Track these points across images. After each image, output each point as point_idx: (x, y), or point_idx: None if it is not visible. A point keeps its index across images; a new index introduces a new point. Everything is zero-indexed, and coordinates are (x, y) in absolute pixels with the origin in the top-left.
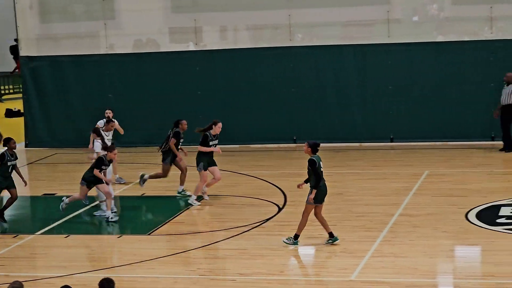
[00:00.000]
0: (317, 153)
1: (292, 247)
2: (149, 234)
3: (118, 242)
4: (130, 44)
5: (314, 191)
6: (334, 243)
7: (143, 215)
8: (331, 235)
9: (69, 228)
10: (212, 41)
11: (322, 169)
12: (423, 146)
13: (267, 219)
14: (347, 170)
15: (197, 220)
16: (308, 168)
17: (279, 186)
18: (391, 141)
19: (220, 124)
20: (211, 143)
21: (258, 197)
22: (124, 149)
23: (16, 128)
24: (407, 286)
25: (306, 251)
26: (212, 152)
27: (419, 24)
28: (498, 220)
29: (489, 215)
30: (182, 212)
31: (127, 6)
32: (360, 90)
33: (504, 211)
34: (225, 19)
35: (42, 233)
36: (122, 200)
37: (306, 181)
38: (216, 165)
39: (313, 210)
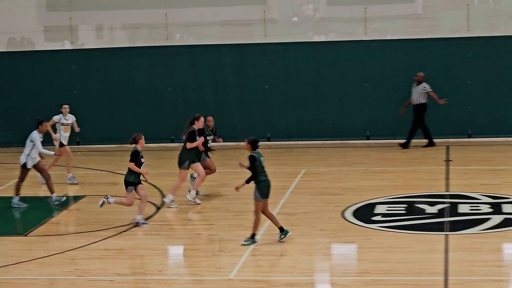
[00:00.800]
0: (257, 149)
1: (252, 246)
2: (25, 235)
3: None
4: (3, 43)
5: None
6: (286, 236)
7: (18, 216)
8: (281, 229)
9: None
10: (88, 40)
11: (263, 165)
12: (300, 145)
13: (145, 219)
14: (224, 169)
15: (75, 220)
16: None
17: (157, 186)
18: (268, 140)
19: (202, 118)
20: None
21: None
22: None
23: None
24: (285, 284)
25: (184, 250)
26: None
27: (295, 24)
28: (374, 218)
29: (364, 213)
30: (59, 213)
31: (0, 3)
32: (238, 89)
33: (379, 209)
34: (101, 18)
35: None
36: None
37: (247, 181)
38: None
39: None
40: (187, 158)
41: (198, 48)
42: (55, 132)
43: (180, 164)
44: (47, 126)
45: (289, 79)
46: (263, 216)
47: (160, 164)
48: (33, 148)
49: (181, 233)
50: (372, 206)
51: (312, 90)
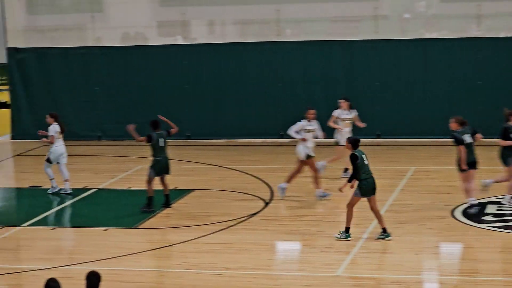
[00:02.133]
0: (358, 148)
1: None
2: (135, 228)
3: (104, 235)
4: (117, 37)
5: (355, 182)
6: (386, 239)
7: (129, 208)
8: (384, 230)
9: (55, 221)
10: (200, 35)
11: (366, 163)
12: (410, 143)
13: (254, 214)
14: (334, 166)
15: (184, 214)
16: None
17: (266, 181)
18: (378, 137)
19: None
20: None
21: (245, 191)
22: (110, 142)
23: (2, 120)
24: (392, 282)
25: (292, 246)
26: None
27: (407, 21)
28: (484, 218)
29: (475, 212)
30: (170, 205)
31: None
32: (347, 86)
33: (490, 209)
34: (213, 13)
35: (27, 225)
36: (108, 194)
37: (349, 181)
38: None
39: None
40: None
41: (308, 44)
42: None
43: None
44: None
45: (400, 76)
46: (370, 213)
47: (270, 160)
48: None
49: (290, 228)
50: (483, 205)
51: (421, 87)
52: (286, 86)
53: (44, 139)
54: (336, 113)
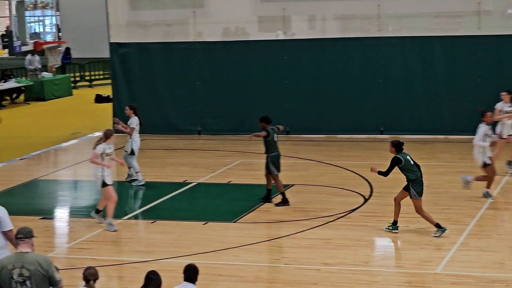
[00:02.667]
0: (403, 151)
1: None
2: (234, 222)
3: (204, 228)
4: (218, 32)
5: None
6: (442, 235)
7: (228, 203)
8: (438, 226)
9: (156, 214)
10: (300, 30)
11: (412, 163)
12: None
13: (353, 210)
14: (434, 162)
15: (283, 209)
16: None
17: (365, 177)
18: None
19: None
20: None
21: (344, 187)
22: (210, 137)
23: (105, 113)
24: (492, 281)
25: (391, 242)
26: None
27: (510, 16)
28: None
29: None
30: (268, 201)
31: None
32: (448, 82)
33: None
34: (314, 8)
35: (128, 218)
36: (208, 188)
37: (379, 172)
38: None
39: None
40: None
41: (409, 39)
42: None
43: None
44: (492, 116)
45: (502, 73)
46: (471, 211)
47: (370, 156)
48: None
49: (385, 223)
50: None
51: None
52: (387, 82)
53: (117, 126)
54: (498, 106)
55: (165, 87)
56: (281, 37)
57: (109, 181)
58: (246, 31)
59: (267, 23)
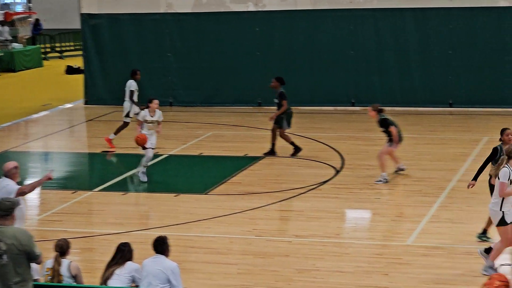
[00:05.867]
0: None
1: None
2: (205, 194)
3: (175, 200)
4: (190, 4)
5: None
6: (483, 240)
7: (200, 174)
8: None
9: (127, 186)
10: (271, 2)
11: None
12: (482, 112)
13: (324, 182)
14: (405, 134)
15: (254, 181)
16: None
17: (336, 149)
18: (450, 106)
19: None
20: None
21: (316, 159)
22: (182, 108)
23: (76, 85)
24: (463, 252)
25: (362, 214)
26: None
27: None
28: None
29: None
30: (239, 172)
31: None
32: (419, 54)
33: None
34: None
35: (100, 190)
36: (179, 159)
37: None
38: None
39: None
40: None
41: (381, 11)
42: None
43: None
44: None
45: (474, 45)
46: (442, 183)
47: (341, 128)
48: None
49: (359, 197)
50: None
51: (495, 56)
52: (358, 54)
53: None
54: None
55: (136, 59)
56: (253, 8)
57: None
58: (217, 3)
59: None
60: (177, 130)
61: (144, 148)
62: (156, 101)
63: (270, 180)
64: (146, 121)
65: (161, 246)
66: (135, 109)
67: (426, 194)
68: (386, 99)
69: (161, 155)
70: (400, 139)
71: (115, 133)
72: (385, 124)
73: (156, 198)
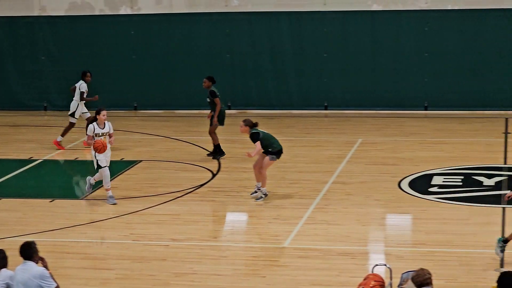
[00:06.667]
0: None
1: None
2: (82, 199)
3: (50, 206)
4: (63, 7)
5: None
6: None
7: (76, 179)
8: (506, 241)
9: (0, 192)
10: (147, 5)
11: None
12: (357, 114)
13: (201, 185)
14: (281, 137)
15: (131, 185)
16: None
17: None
18: (325, 109)
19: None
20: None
21: (192, 162)
22: (57, 113)
23: None
24: (339, 253)
25: (239, 217)
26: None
27: None
28: (431, 189)
29: (421, 184)
30: (116, 177)
31: None
32: (295, 57)
33: (436, 180)
34: None
35: None
36: (54, 164)
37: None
38: None
39: None
40: None
41: (256, 15)
42: None
43: None
44: None
45: (348, 48)
46: (318, 185)
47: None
48: None
49: (237, 199)
50: (429, 177)
51: (370, 59)
52: (234, 57)
53: None
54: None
55: (10, 62)
56: (128, 11)
57: None
58: (92, 5)
59: None
60: (52, 135)
61: (99, 167)
62: (104, 112)
63: (147, 184)
64: (96, 135)
65: (28, 251)
66: (83, 109)
67: (303, 196)
68: (262, 102)
69: (36, 160)
70: (279, 152)
71: (62, 135)
72: (252, 139)
73: (31, 204)
